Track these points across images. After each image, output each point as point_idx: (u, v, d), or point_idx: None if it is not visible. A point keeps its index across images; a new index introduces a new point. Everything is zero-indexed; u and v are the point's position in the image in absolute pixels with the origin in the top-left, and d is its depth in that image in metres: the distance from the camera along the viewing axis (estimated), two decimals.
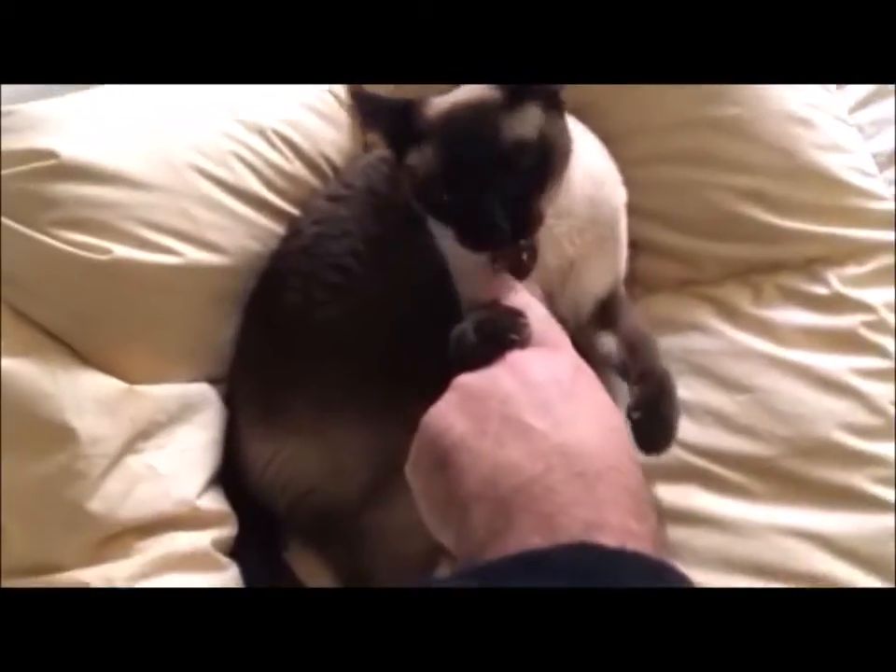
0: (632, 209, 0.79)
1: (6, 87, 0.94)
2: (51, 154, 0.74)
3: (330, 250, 0.78)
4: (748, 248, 0.85)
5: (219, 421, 0.81)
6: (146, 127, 0.80)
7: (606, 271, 0.75)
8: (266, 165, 0.84)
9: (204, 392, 0.80)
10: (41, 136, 0.76)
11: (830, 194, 0.84)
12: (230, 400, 0.82)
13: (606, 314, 0.75)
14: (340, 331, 0.76)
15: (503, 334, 0.48)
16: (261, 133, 0.85)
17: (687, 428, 0.72)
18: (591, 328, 0.75)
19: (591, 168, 0.71)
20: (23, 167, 0.74)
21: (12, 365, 0.71)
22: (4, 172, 0.75)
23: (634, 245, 0.81)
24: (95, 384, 0.73)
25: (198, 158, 0.80)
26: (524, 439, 0.41)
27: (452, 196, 0.62)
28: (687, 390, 0.77)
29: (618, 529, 0.37)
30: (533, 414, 0.42)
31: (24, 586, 0.67)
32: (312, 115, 0.91)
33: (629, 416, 0.64)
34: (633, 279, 0.85)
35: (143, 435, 0.74)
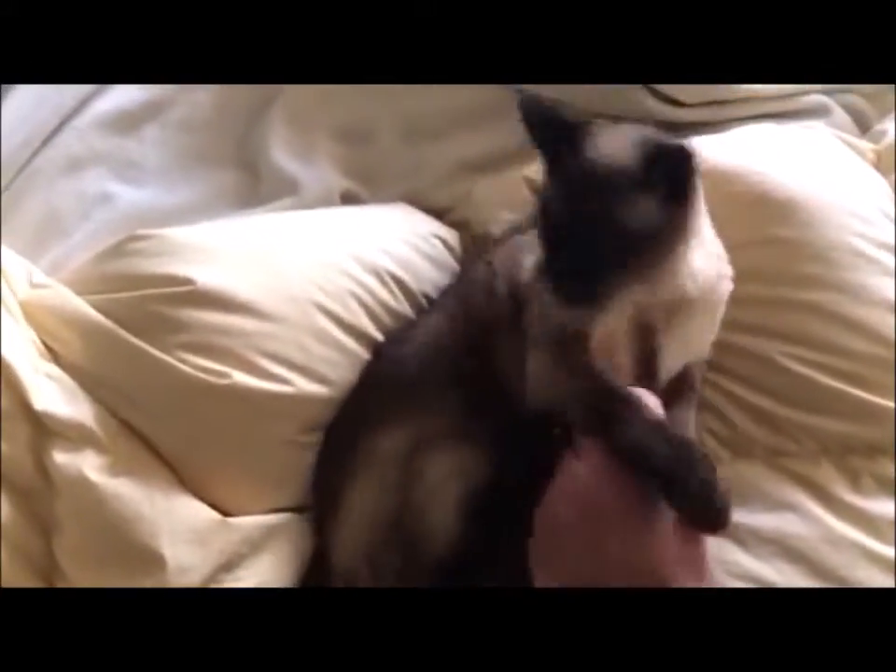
0: (718, 368, 0.82)
1: None
2: (188, 281, 0.80)
3: None
4: (844, 425, 0.85)
5: (300, 552, 0.82)
6: (273, 260, 0.86)
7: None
8: (377, 303, 0.88)
9: (289, 523, 0.82)
10: (179, 263, 0.82)
11: None
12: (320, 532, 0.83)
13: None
14: None
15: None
16: (376, 273, 0.89)
17: None
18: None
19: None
20: (160, 290, 0.80)
21: (115, 484, 0.74)
22: (139, 293, 0.80)
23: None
24: (191, 512, 0.76)
25: (318, 294, 0.84)
26: None
27: None
28: (779, 575, 0.76)
29: None
30: None
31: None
32: (419, 256, 0.95)
33: None
34: (722, 440, 0.85)
35: (226, 566, 0.76)
